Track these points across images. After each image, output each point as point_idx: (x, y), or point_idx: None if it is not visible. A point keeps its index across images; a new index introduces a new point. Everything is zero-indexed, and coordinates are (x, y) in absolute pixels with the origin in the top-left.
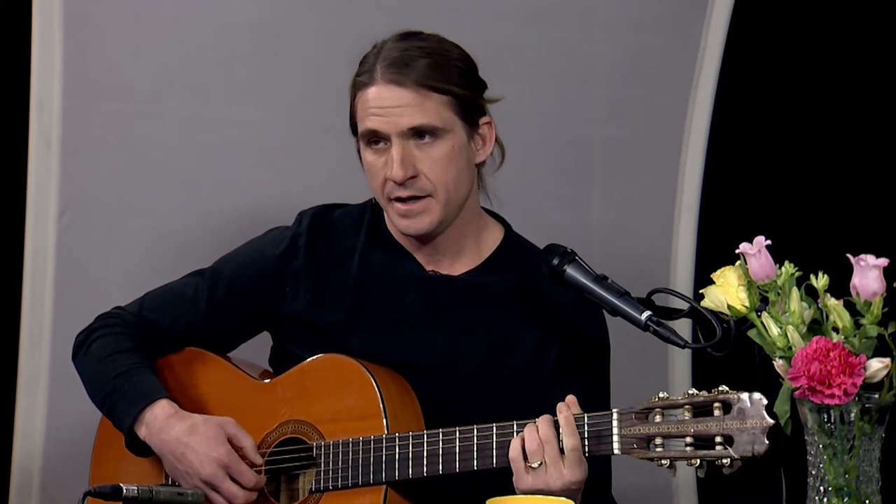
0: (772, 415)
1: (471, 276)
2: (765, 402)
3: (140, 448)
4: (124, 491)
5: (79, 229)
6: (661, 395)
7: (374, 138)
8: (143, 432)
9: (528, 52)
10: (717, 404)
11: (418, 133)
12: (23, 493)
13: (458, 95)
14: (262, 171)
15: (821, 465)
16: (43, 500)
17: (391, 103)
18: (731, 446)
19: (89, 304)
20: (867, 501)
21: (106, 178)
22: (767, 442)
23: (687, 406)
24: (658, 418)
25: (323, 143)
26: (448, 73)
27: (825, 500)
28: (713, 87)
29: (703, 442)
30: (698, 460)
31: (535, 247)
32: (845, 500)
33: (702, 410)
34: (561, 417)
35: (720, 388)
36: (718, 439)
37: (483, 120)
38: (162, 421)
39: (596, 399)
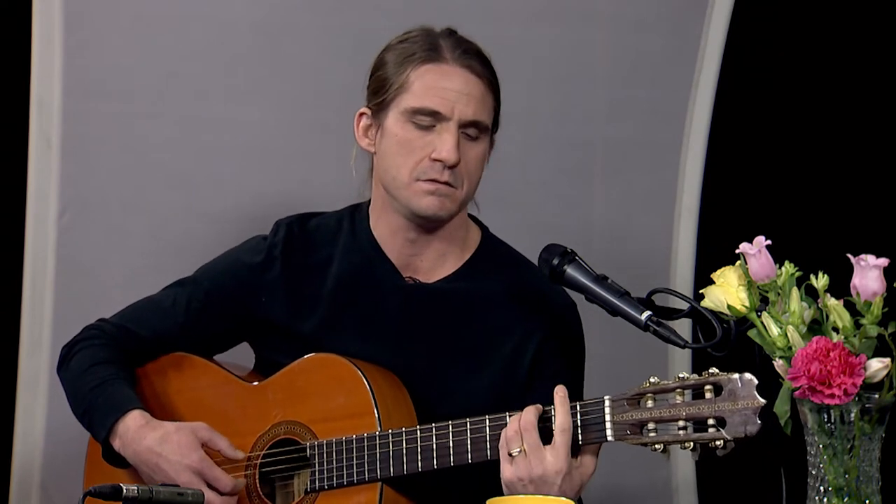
0: (764, 396)
1: (447, 283)
2: (755, 382)
3: (118, 460)
4: (124, 491)
5: (79, 229)
6: (652, 379)
7: (428, 116)
8: (117, 444)
9: (529, 52)
10: (708, 387)
11: (475, 126)
12: (23, 493)
13: (499, 102)
14: (262, 171)
15: (821, 465)
16: (43, 500)
17: (463, 89)
18: (723, 428)
19: (89, 304)
20: (867, 501)
21: (106, 178)
22: (759, 422)
23: (678, 390)
24: (650, 403)
25: (323, 143)
26: (496, 77)
27: (825, 500)
28: (713, 87)
29: (696, 425)
30: (692, 443)
31: (511, 249)
32: (845, 500)
33: (693, 393)
34: (557, 398)
35: (710, 371)
36: (711, 421)
37: (495, 135)
38: (134, 432)
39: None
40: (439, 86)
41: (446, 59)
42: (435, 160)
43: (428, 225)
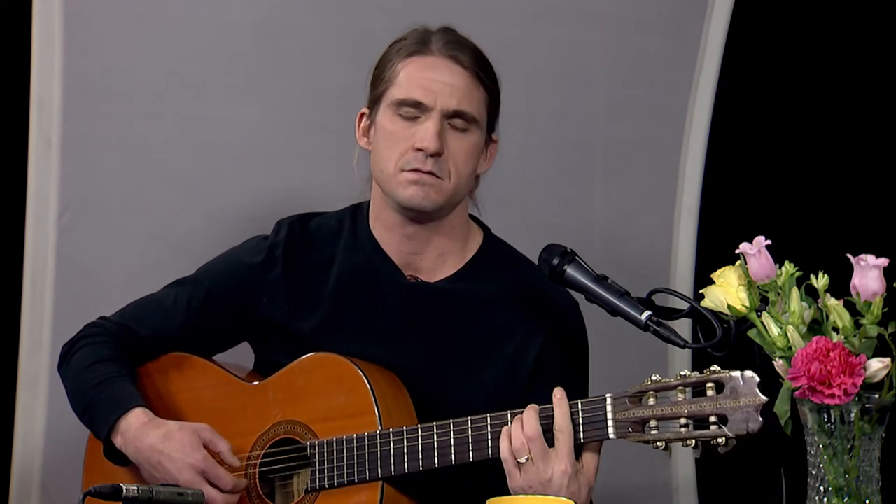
0: (765, 393)
1: (450, 283)
2: (757, 379)
3: (119, 457)
4: (124, 491)
5: (79, 229)
6: (653, 377)
7: (412, 108)
8: (118, 441)
9: (529, 52)
10: (709, 384)
11: (459, 117)
12: (23, 493)
13: (494, 99)
14: (262, 171)
15: (821, 465)
16: (43, 500)
17: (447, 79)
18: (725, 425)
19: (89, 304)
20: (867, 501)
21: (106, 178)
22: (761, 419)
23: (680, 387)
24: (652, 401)
25: (323, 143)
26: (491, 75)
27: (825, 500)
28: (713, 87)
29: (698, 422)
30: (693, 441)
31: (514, 250)
32: (845, 500)
33: (695, 391)
34: (554, 400)
35: (712, 368)
36: (713, 419)
37: (494, 135)
38: (136, 429)
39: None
40: (422, 76)
41: (432, 52)
42: (417, 150)
43: (419, 218)
